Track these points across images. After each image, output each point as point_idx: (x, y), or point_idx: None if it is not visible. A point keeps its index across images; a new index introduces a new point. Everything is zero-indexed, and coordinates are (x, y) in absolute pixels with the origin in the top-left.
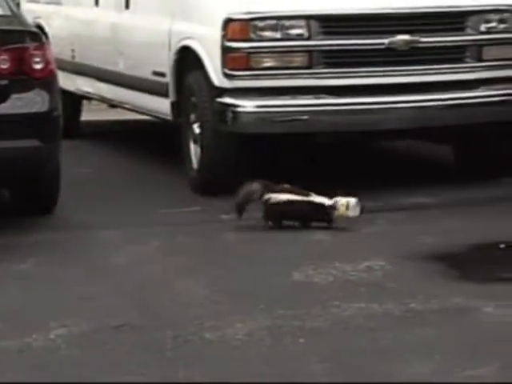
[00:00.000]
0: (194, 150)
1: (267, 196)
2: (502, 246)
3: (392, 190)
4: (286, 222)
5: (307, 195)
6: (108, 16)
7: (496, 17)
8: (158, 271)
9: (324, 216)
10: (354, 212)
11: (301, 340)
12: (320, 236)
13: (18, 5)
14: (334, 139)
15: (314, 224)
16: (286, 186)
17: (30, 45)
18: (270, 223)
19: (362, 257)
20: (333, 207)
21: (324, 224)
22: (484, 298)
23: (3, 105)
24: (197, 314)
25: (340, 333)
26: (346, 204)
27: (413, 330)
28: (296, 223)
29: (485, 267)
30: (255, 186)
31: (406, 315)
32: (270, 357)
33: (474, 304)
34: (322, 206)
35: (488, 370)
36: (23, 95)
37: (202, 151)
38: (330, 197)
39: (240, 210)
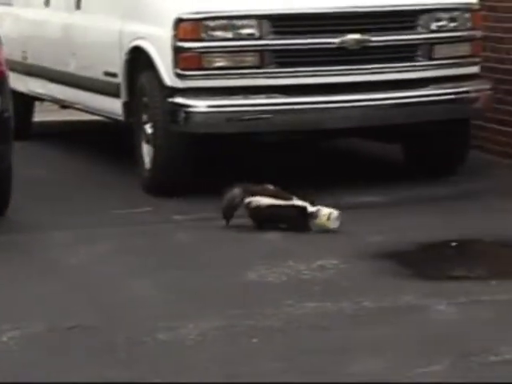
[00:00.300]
0: (146, 150)
1: (248, 200)
2: (453, 244)
3: (342, 189)
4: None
5: (289, 199)
6: (59, 17)
7: (446, 15)
8: (111, 272)
9: (302, 222)
10: (334, 224)
11: (254, 339)
12: (273, 235)
13: None
14: (284, 139)
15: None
16: (269, 187)
17: None
18: (254, 225)
19: (315, 256)
20: (314, 215)
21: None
22: (435, 296)
23: None
24: (150, 314)
25: (293, 332)
26: (327, 215)
27: (365, 329)
28: (281, 225)
29: (436, 265)
30: (235, 191)
31: (359, 313)
32: (223, 356)
33: (425, 302)
34: (303, 211)
35: (440, 368)
36: None
37: (154, 151)
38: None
39: (226, 216)
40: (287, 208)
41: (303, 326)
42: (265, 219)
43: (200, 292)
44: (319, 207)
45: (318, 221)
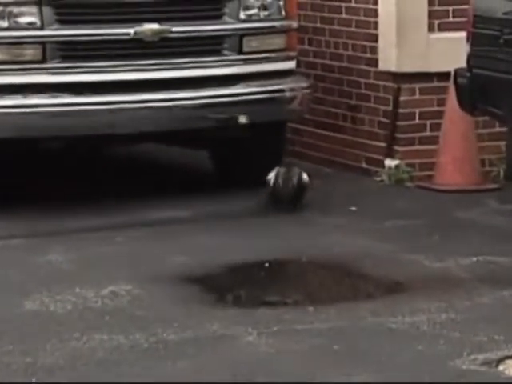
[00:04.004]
0: None
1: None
2: (266, 264)
3: (136, 202)
4: None
5: None
6: None
7: (257, 3)
8: None
9: None
10: None
11: (33, 379)
12: (54, 256)
13: None
14: (72, 145)
15: None
16: None
17: None
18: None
19: (105, 280)
20: None
21: None
22: (244, 325)
23: None
24: None
25: (80, 369)
26: None
27: (163, 364)
28: None
29: (246, 289)
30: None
31: (157, 347)
32: None
33: (233, 331)
34: None
35: None
36: None
37: None
38: None
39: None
40: None
41: (91, 362)
42: None
43: None
44: None
45: None
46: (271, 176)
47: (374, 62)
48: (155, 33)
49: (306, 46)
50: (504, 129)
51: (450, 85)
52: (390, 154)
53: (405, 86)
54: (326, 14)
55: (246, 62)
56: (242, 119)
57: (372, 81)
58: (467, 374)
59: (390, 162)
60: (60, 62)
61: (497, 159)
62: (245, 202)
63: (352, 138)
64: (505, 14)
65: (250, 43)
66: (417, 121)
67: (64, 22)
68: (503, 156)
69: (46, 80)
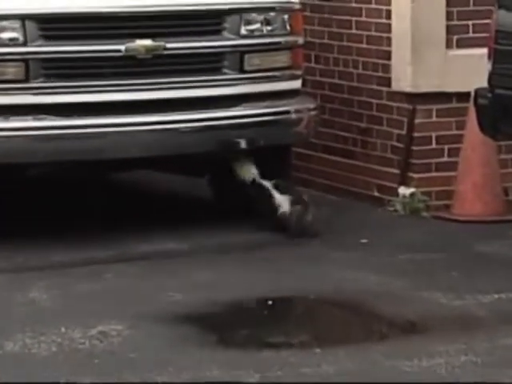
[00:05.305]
0: None
1: None
2: (269, 302)
3: (127, 233)
4: None
5: None
6: None
7: (259, 17)
8: None
9: None
10: None
11: None
12: (37, 293)
13: None
14: (56, 172)
15: None
16: None
17: None
18: None
19: (94, 319)
20: None
21: None
22: (246, 368)
23: None
24: None
25: None
26: None
27: None
28: None
29: (248, 330)
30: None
31: None
32: None
33: (234, 376)
34: None
35: None
36: None
37: None
38: None
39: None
40: None
41: None
42: None
43: None
44: None
45: None
46: (283, 209)
47: (387, 82)
48: (148, 49)
49: (313, 64)
50: None
51: (470, 106)
52: (405, 182)
53: (420, 107)
54: (334, 29)
55: (248, 81)
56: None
57: (384, 102)
58: None
59: (404, 191)
60: (44, 82)
61: None
62: (247, 233)
63: (363, 164)
64: None
65: (251, 61)
66: (433, 145)
67: (49, 37)
68: None
69: (29, 101)
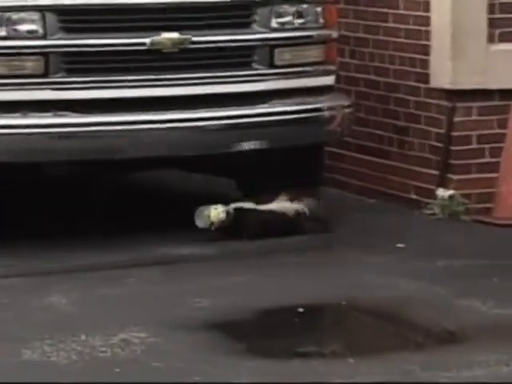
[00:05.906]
0: None
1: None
2: (300, 310)
3: (149, 236)
4: None
5: None
6: None
7: (291, 9)
8: None
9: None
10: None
11: None
12: (56, 298)
13: None
14: (70, 170)
15: None
16: None
17: None
18: None
19: (115, 327)
20: None
21: None
22: (276, 377)
23: None
24: None
25: None
26: None
27: None
28: None
29: (278, 338)
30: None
31: None
32: None
33: None
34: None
35: None
36: None
37: None
38: None
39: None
40: None
41: None
42: None
43: None
44: None
45: None
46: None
47: (425, 78)
48: (175, 43)
49: (347, 59)
50: None
51: None
52: (443, 184)
53: (460, 104)
54: (370, 23)
55: (278, 76)
56: None
57: (422, 99)
58: None
59: (442, 193)
60: (65, 76)
61: None
62: (275, 237)
63: (399, 165)
64: None
65: (282, 55)
66: (474, 145)
67: (70, 30)
68: None
69: (48, 96)
